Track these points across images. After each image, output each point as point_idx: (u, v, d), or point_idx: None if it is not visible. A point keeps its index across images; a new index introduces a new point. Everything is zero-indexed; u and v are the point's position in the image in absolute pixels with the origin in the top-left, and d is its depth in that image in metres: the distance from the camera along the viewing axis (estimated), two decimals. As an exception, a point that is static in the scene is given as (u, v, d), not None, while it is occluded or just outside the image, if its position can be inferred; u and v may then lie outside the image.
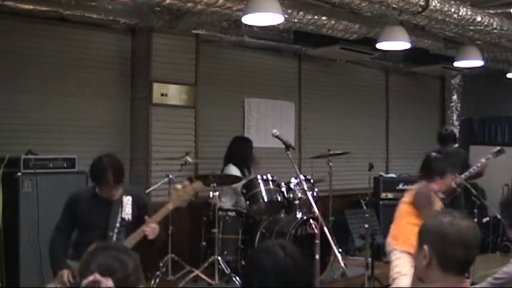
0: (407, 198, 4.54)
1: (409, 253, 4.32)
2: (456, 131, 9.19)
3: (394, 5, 5.02)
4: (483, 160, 6.06)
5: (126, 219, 3.68)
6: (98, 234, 3.56)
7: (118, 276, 1.67)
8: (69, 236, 3.77)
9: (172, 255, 5.46)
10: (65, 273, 3.48)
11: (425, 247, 1.96)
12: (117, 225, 3.65)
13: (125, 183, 3.83)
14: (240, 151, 6.12)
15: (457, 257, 1.91)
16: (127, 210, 3.70)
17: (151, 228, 3.58)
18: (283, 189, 5.75)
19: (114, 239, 3.59)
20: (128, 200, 3.73)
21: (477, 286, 2.96)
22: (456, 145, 8.38)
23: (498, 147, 6.17)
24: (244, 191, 5.67)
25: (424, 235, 2.00)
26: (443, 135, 6.66)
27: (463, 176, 6.00)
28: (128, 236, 3.61)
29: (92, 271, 1.68)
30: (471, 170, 6.11)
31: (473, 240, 1.94)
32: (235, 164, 6.01)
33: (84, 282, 1.64)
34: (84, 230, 3.72)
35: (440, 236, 1.93)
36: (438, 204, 4.56)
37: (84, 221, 3.70)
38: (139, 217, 3.69)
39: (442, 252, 1.92)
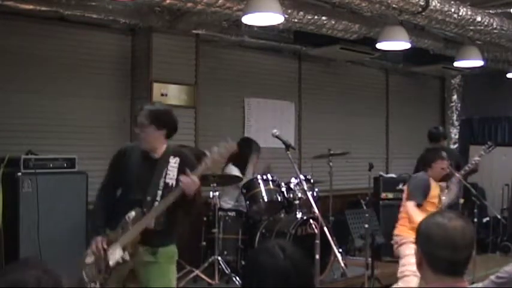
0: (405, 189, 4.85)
1: None
2: (456, 131, 9.21)
3: (394, 5, 5.02)
4: (477, 158, 6.10)
5: (170, 184, 3.34)
6: (137, 199, 3.31)
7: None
8: (113, 196, 3.46)
9: (172, 255, 5.45)
10: (99, 241, 3.26)
11: (416, 247, 2.01)
12: (159, 191, 3.32)
13: (173, 145, 3.54)
14: (241, 151, 6.12)
15: (444, 258, 1.91)
16: (172, 175, 3.35)
17: (189, 181, 3.19)
18: (283, 189, 5.75)
19: (155, 205, 3.30)
20: (174, 162, 3.39)
21: (479, 284, 2.97)
22: (456, 145, 8.41)
23: (487, 144, 6.19)
24: (244, 191, 5.68)
25: (416, 236, 2.03)
26: (433, 133, 6.68)
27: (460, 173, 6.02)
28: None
29: None
30: (466, 167, 6.13)
31: (462, 241, 1.91)
32: (234, 164, 6.01)
33: None
34: (124, 191, 3.42)
35: (427, 236, 1.95)
36: (436, 191, 4.76)
37: (126, 179, 3.39)
38: None
39: (428, 253, 1.94)
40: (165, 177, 3.35)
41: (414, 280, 4.34)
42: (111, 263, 3.24)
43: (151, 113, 3.38)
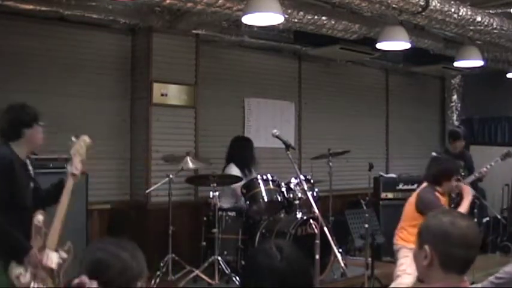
0: (412, 199, 4.59)
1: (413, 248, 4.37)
2: (456, 131, 9.22)
3: (394, 5, 5.02)
4: (492, 163, 6.07)
5: (37, 185, 3.41)
6: (29, 206, 3.29)
7: (113, 271, 1.66)
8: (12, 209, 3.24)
9: (173, 255, 5.46)
10: (34, 254, 3.11)
11: (427, 247, 1.94)
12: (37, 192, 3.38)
13: None
14: (241, 151, 6.12)
15: (459, 256, 1.91)
16: (33, 174, 3.43)
17: (79, 169, 3.42)
18: (283, 189, 5.75)
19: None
20: (30, 162, 3.47)
21: (478, 285, 2.96)
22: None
23: (506, 150, 6.16)
24: (244, 191, 5.67)
25: (425, 235, 1.98)
26: (455, 131, 6.67)
27: (469, 179, 6.02)
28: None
29: (81, 270, 1.67)
30: (478, 173, 6.12)
31: (475, 240, 1.94)
32: (236, 164, 6.01)
33: (71, 284, 1.64)
34: (17, 201, 3.28)
35: (443, 235, 1.92)
36: (445, 204, 4.55)
37: (18, 188, 3.28)
38: None
39: (444, 252, 1.92)
40: (33, 179, 3.43)
41: (406, 278, 4.38)
42: (54, 266, 3.14)
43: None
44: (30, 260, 3.11)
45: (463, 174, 6.13)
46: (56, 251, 3.20)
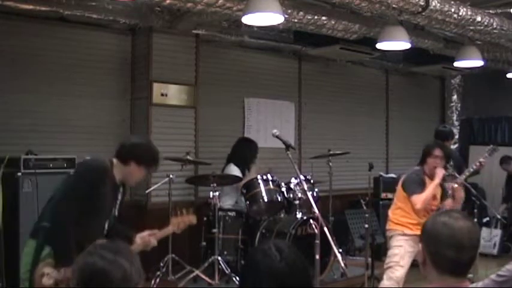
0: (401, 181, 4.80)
1: (407, 235, 4.40)
2: (456, 131, 9.21)
3: (394, 5, 5.02)
4: (482, 159, 6.07)
5: (117, 214, 3.34)
6: (100, 228, 3.23)
7: (115, 282, 1.60)
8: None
9: (173, 255, 5.46)
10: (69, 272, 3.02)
11: (420, 246, 2.00)
12: (111, 220, 3.31)
13: None
14: (242, 152, 6.13)
15: (448, 257, 1.91)
16: (118, 203, 3.36)
17: (152, 243, 3.48)
18: (283, 189, 5.75)
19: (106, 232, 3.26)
20: (121, 191, 3.38)
21: (479, 283, 2.96)
22: (456, 145, 8.38)
23: (491, 146, 6.19)
24: (244, 191, 5.67)
25: (422, 234, 2.03)
26: (441, 131, 6.65)
27: (462, 176, 6.02)
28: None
29: (77, 280, 1.61)
30: (470, 169, 6.12)
31: (467, 241, 1.92)
32: (236, 164, 6.01)
33: None
34: (89, 219, 3.16)
35: (433, 235, 1.96)
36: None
37: (98, 208, 3.19)
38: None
39: (433, 252, 1.95)
40: (115, 207, 3.34)
41: (398, 270, 4.40)
42: None
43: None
44: (63, 273, 2.99)
45: (453, 173, 6.13)
46: None
